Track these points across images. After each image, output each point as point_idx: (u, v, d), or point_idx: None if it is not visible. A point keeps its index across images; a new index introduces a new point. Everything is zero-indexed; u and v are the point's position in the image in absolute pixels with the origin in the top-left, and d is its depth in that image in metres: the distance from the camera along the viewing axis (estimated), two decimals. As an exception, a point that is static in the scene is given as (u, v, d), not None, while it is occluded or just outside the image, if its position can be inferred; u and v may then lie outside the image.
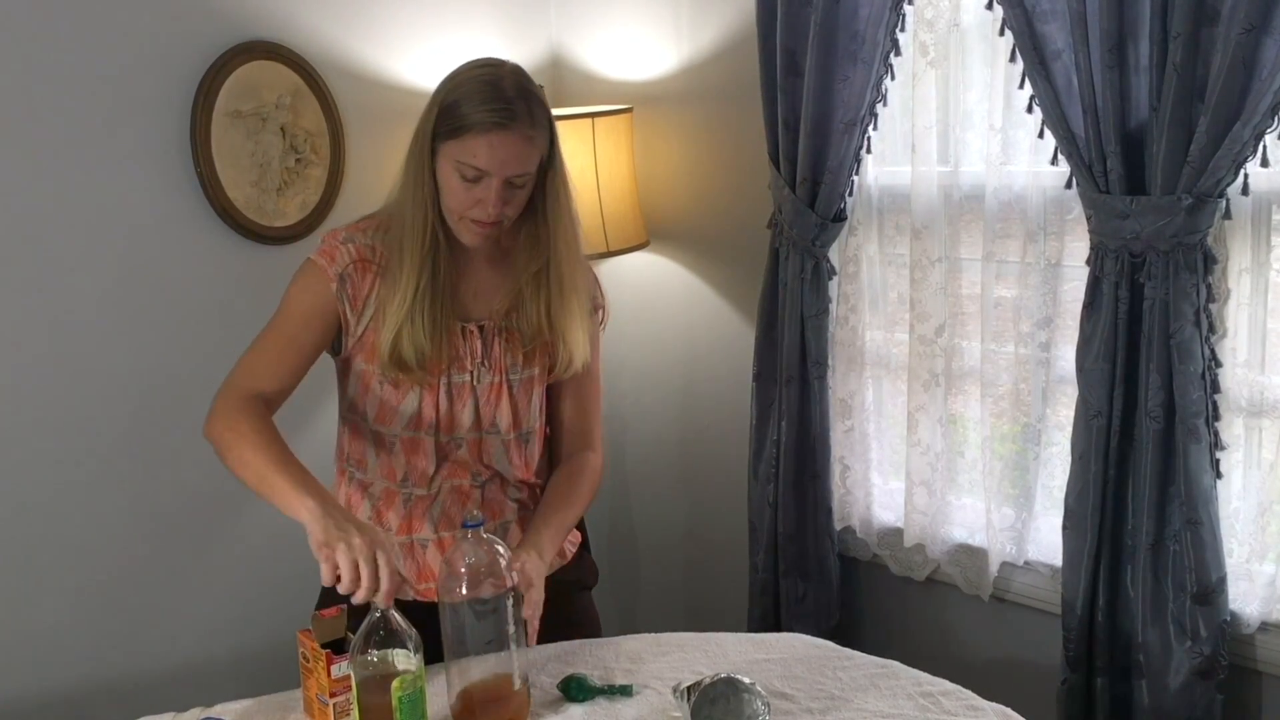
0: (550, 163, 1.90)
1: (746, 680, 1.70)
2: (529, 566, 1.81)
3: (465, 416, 1.95)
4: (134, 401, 2.59)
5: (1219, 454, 2.17)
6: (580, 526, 2.19)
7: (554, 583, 2.04)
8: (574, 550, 2.12)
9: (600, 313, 2.08)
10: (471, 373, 1.94)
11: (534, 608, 1.79)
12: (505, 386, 1.97)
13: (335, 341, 1.96)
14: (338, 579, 1.63)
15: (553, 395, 2.08)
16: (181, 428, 2.65)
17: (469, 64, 1.89)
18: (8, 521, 2.45)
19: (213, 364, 2.66)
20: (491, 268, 1.98)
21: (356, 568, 1.62)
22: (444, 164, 1.85)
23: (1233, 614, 2.20)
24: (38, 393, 2.46)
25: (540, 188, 1.91)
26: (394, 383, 1.93)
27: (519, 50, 3.16)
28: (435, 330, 1.89)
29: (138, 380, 2.58)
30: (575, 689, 1.81)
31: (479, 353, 1.94)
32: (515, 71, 1.87)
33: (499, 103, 1.81)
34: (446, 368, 1.93)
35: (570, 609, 2.09)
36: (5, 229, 2.40)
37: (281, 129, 2.71)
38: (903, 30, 2.49)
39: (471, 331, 1.94)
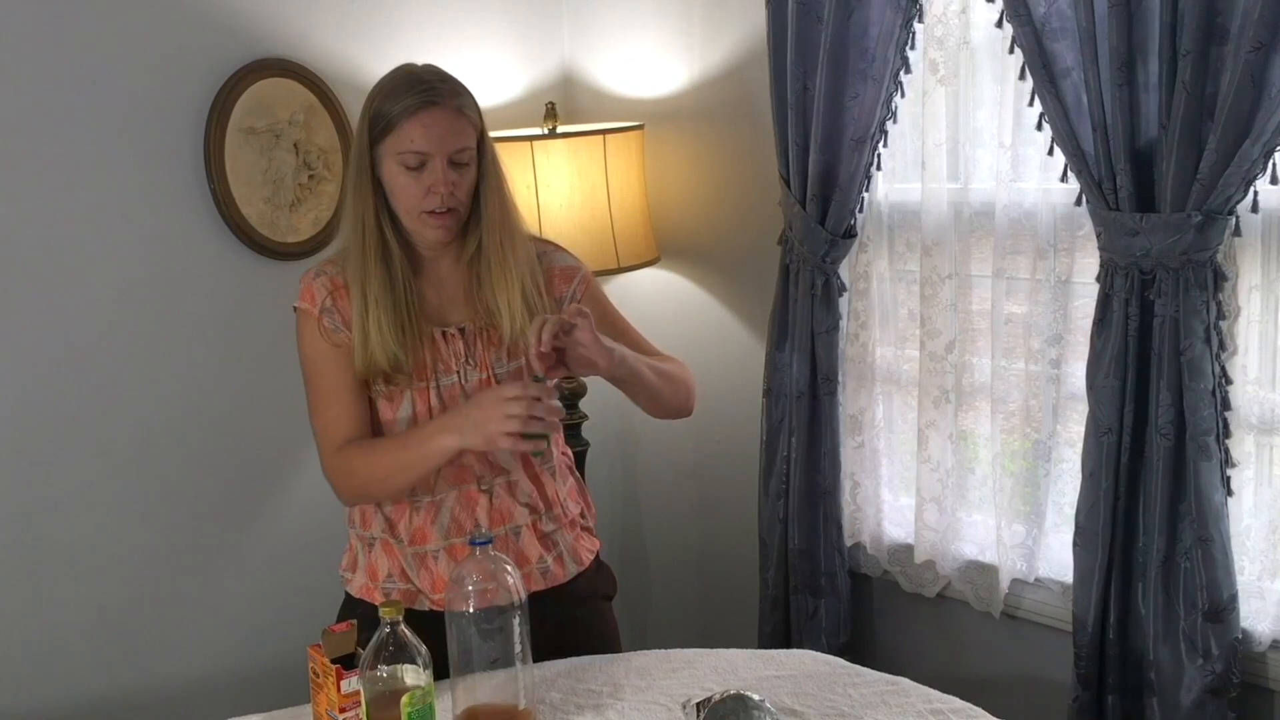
0: (481, 150, 1.94)
1: (756, 697, 1.70)
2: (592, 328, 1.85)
3: None
4: (147, 417, 2.60)
5: (1230, 471, 2.17)
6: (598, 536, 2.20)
7: (575, 593, 2.05)
8: (592, 558, 2.13)
9: (578, 275, 2.08)
10: (458, 372, 1.97)
11: (553, 324, 1.81)
12: (493, 381, 1.98)
13: None
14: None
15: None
16: (194, 442, 2.67)
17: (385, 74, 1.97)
18: (19, 535, 2.47)
19: (226, 378, 2.69)
20: (460, 274, 2.00)
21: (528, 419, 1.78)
22: (387, 165, 1.90)
23: (1244, 632, 2.19)
24: (51, 407, 2.48)
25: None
26: (387, 396, 1.96)
27: (532, 68, 3.18)
28: (402, 334, 1.92)
29: (151, 395, 2.60)
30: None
31: (462, 353, 1.97)
32: (429, 65, 1.95)
33: (420, 85, 1.89)
34: (432, 370, 1.95)
35: (591, 619, 2.10)
36: (20, 243, 2.42)
37: (294, 145, 2.73)
38: (913, 48, 2.50)
39: (453, 335, 1.97)
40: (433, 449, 1.87)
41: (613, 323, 2.08)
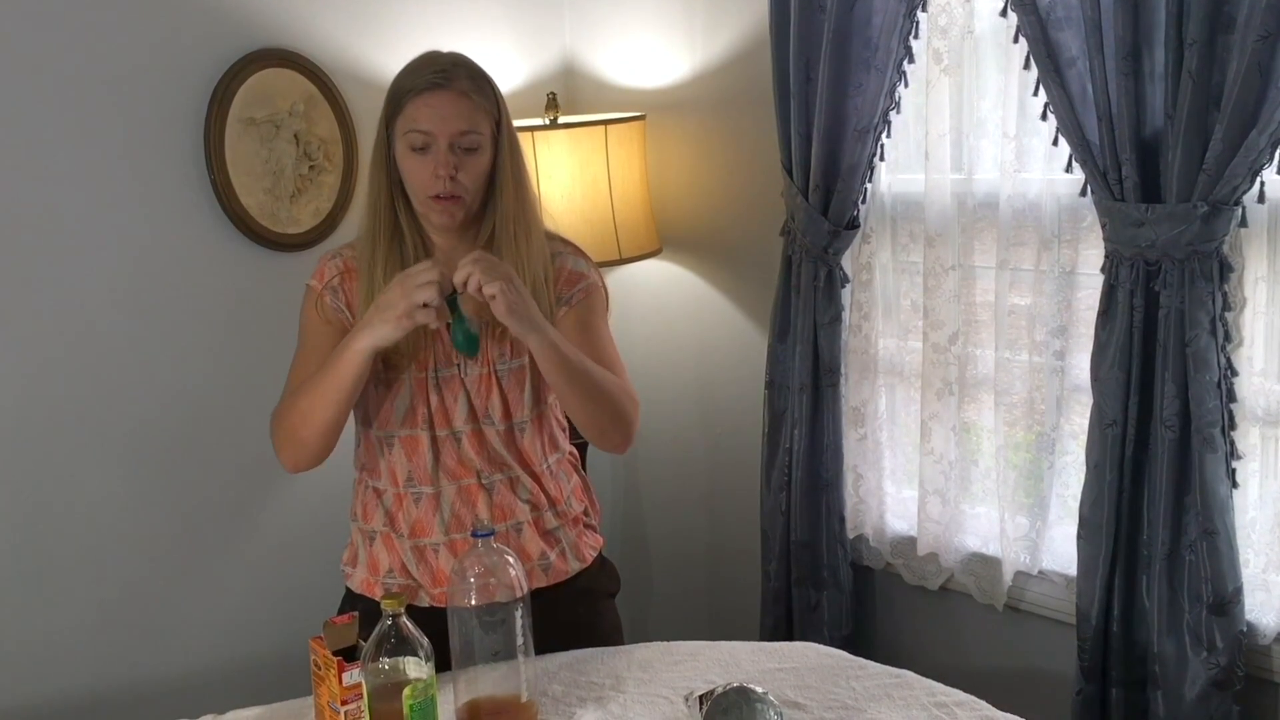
0: (500, 140, 1.94)
1: (759, 690, 1.70)
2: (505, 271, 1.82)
3: (459, 408, 1.96)
4: (147, 409, 2.59)
5: (1235, 463, 2.16)
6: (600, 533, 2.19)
7: (577, 589, 2.04)
8: (595, 556, 2.12)
9: (584, 282, 2.03)
10: (459, 365, 1.96)
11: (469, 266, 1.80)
12: (494, 378, 1.97)
13: None
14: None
15: None
16: (195, 435, 2.66)
17: None
18: (19, 528, 2.46)
19: (226, 370, 2.68)
20: None
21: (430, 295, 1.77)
22: (399, 146, 1.91)
23: (1249, 624, 2.18)
24: (50, 400, 2.47)
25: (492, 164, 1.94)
26: (385, 383, 1.95)
27: (533, 58, 3.17)
28: None
29: (151, 388, 2.59)
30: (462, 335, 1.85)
31: None
32: (453, 51, 1.96)
33: (433, 67, 1.91)
34: (432, 359, 1.94)
35: (594, 617, 2.09)
36: (19, 235, 2.41)
37: (295, 136, 2.72)
38: (916, 37, 2.48)
39: None
40: (347, 357, 1.84)
41: (595, 340, 2.01)
